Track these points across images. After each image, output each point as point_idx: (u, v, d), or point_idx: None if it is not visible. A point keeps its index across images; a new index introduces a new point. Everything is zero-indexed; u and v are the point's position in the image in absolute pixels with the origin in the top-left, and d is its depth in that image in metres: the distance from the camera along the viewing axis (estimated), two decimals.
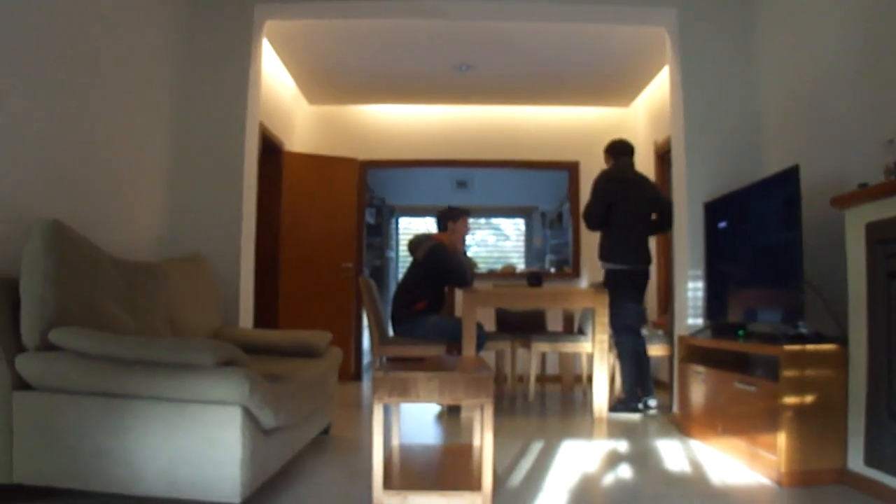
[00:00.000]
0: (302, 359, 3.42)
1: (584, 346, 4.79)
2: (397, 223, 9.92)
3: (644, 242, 4.47)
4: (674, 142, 4.36)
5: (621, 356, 4.37)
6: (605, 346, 4.26)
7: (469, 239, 4.76)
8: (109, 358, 2.36)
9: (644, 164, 6.59)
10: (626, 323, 4.38)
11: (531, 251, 9.94)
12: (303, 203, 5.98)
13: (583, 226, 6.15)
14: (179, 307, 3.26)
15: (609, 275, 4.41)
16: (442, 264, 4.50)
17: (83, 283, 2.56)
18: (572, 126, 6.67)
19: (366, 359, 6.99)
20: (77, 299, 2.50)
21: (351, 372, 6.02)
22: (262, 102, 5.04)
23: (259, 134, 4.63)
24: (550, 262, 8.65)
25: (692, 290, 4.10)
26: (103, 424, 2.33)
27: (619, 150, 4.56)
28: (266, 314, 5.47)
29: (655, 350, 4.79)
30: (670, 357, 4.64)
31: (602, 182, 4.44)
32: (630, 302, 4.38)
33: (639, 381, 4.36)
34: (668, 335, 4.75)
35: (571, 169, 6.59)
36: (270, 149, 5.68)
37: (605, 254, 4.43)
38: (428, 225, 9.39)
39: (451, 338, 4.43)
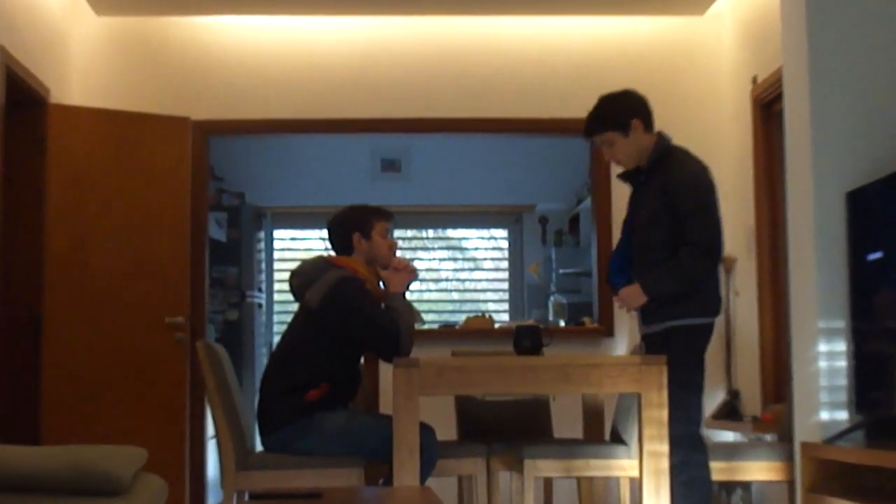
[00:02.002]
0: (88, 500, 3.38)
1: (624, 466, 4.80)
2: (269, 239, 9.89)
3: None
4: (789, 81, 4.41)
5: (690, 489, 4.36)
6: (665, 466, 4.24)
7: (399, 263, 4.81)
8: None
9: (727, 120, 6.64)
10: (697, 432, 4.42)
11: (522, 288, 9.94)
12: (87, 206, 6.01)
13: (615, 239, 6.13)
14: None
15: (689, 336, 4.42)
16: (354, 316, 4.53)
17: None
18: (598, 54, 6.73)
19: (213, 497, 6.90)
20: None
21: None
22: None
23: None
24: (558, 307, 8.65)
25: (826, 358, 4.13)
26: None
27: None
28: (16, 414, 5.46)
29: (758, 470, 4.78)
30: (789, 484, 4.65)
31: (711, 176, 4.50)
32: (702, 387, 4.44)
33: None
34: (785, 441, 4.76)
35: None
36: (21, 101, 5.68)
37: (691, 299, 4.42)
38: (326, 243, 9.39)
39: (372, 453, 4.46)
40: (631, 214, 4.64)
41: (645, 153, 4.50)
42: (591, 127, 4.58)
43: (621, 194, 4.75)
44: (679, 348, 4.36)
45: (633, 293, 4.49)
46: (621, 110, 4.54)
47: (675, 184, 4.40)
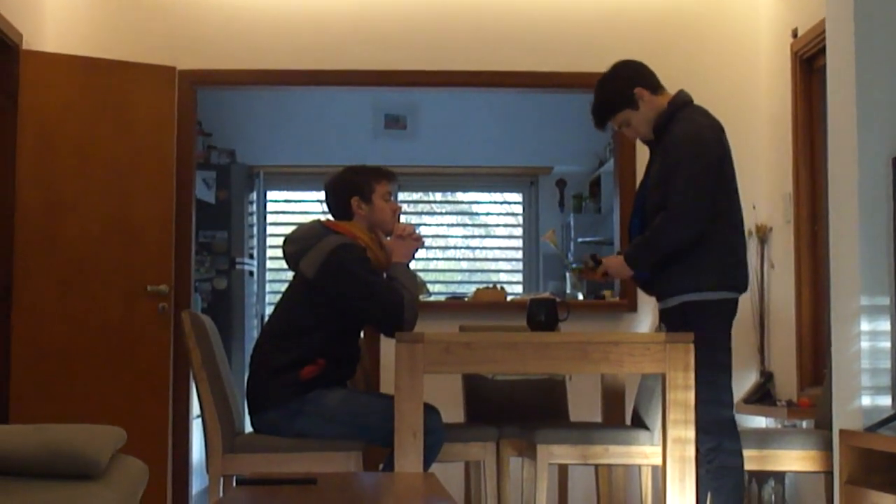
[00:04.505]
0: (61, 484, 3.39)
1: (646, 453, 4.83)
2: (262, 201, 9.89)
3: None
4: (832, 34, 4.41)
5: (720, 481, 4.39)
6: (691, 453, 4.25)
7: (403, 230, 4.84)
8: None
9: (764, 76, 6.61)
10: (729, 415, 4.46)
11: (537, 258, 9.94)
12: (62, 163, 6.02)
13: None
14: None
15: (705, 312, 4.45)
16: (353, 286, 4.55)
17: None
18: (623, 2, 6.70)
19: (198, 482, 6.93)
20: None
21: None
22: None
23: None
24: (575, 279, 8.64)
25: (869, 338, 4.14)
26: None
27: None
28: None
29: (792, 460, 4.81)
30: (826, 475, 4.67)
31: (714, 135, 4.51)
32: (730, 368, 4.48)
33: None
34: (823, 428, 4.78)
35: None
36: None
37: (706, 272, 4.46)
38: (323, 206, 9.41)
39: (372, 436, 4.50)
40: (645, 178, 4.70)
41: (660, 116, 4.53)
42: (600, 115, 4.69)
43: (646, 156, 4.76)
44: (699, 325, 4.37)
45: (618, 264, 4.60)
46: (620, 86, 4.62)
47: (664, 145, 4.49)
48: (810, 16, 5.74)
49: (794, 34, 6.04)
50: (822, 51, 4.94)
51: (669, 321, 4.54)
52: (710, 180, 4.41)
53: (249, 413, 4.64)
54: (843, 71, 4.33)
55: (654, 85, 4.60)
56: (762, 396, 6.03)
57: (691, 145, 4.44)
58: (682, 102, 4.56)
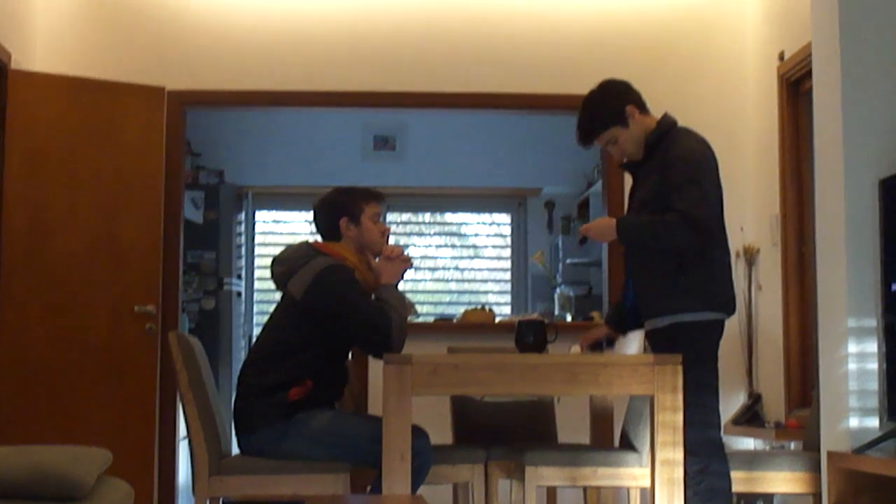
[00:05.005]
0: None
1: (635, 475, 4.83)
2: (250, 221, 9.91)
3: None
4: (819, 58, 4.43)
5: (708, 500, 4.38)
6: (679, 475, 4.25)
7: (391, 251, 4.83)
8: None
9: (751, 99, 6.63)
10: (716, 437, 4.46)
11: (525, 279, 9.94)
12: (49, 182, 6.03)
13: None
14: None
15: (693, 333, 4.45)
16: (341, 308, 4.56)
17: None
18: (613, 23, 6.73)
19: None
20: None
21: None
22: None
23: None
24: (564, 300, 8.67)
25: (856, 360, 4.14)
26: None
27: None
28: None
29: (780, 481, 4.80)
30: (814, 497, 4.67)
31: (712, 157, 4.52)
32: (717, 390, 4.47)
33: None
34: (811, 450, 4.78)
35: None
36: None
37: (696, 293, 4.46)
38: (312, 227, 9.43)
39: (359, 458, 4.49)
40: (630, 202, 4.68)
41: (650, 136, 4.53)
42: (587, 132, 4.65)
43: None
44: (687, 347, 4.37)
45: (604, 225, 4.59)
46: (611, 104, 4.58)
47: (670, 160, 4.44)
48: (797, 39, 5.76)
49: (781, 57, 6.07)
50: (809, 74, 4.96)
51: (656, 342, 4.54)
52: (718, 198, 4.44)
53: (236, 434, 4.62)
54: (830, 94, 4.34)
55: (641, 104, 4.59)
56: (750, 418, 6.02)
57: (698, 161, 4.43)
58: (672, 122, 4.57)
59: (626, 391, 4.52)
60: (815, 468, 4.50)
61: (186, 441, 4.87)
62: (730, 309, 4.50)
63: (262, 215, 10.00)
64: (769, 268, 6.25)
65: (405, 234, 10.22)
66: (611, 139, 4.59)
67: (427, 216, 10.39)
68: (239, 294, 9.46)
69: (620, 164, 4.72)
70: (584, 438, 5.58)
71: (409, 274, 4.94)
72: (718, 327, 4.47)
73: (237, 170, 9.45)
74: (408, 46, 6.70)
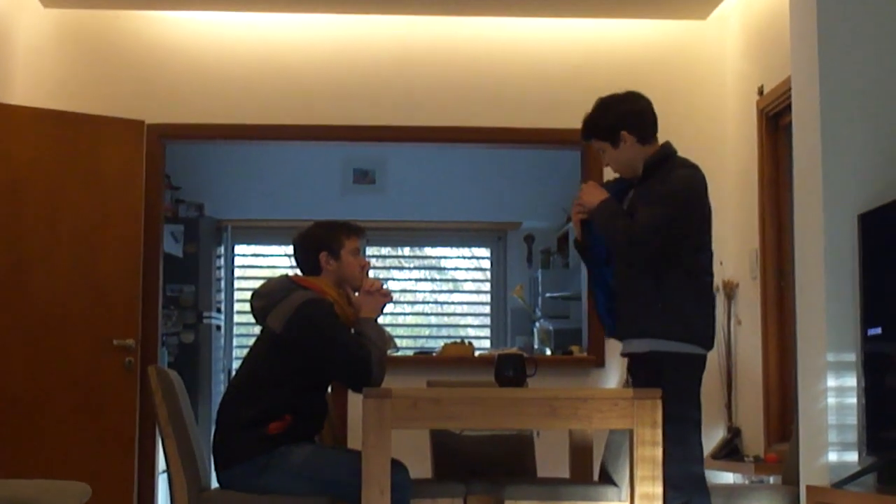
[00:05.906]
0: None
1: None
2: (230, 255, 9.88)
3: None
4: (798, 92, 4.44)
5: None
6: None
7: (371, 285, 4.81)
8: None
9: (730, 133, 6.66)
10: (699, 471, 4.42)
11: (505, 313, 9.93)
12: (28, 216, 6.03)
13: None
14: None
15: (675, 365, 4.41)
16: (320, 341, 4.55)
17: None
18: (592, 59, 6.77)
19: None
20: None
21: None
22: None
23: None
24: (544, 334, 8.66)
25: (835, 394, 4.13)
26: None
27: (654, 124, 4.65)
28: None
29: None
30: None
31: (703, 185, 4.51)
32: (699, 423, 4.44)
33: None
34: (791, 484, 4.77)
35: (587, 146, 6.62)
36: None
37: (676, 320, 4.42)
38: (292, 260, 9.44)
39: (338, 492, 4.47)
40: None
41: (639, 165, 4.50)
42: (585, 130, 4.63)
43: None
44: (668, 380, 4.35)
45: (596, 194, 4.56)
46: (610, 121, 4.54)
47: (672, 180, 4.40)
48: (776, 73, 5.80)
49: (760, 92, 6.10)
50: (788, 108, 4.95)
51: (636, 370, 4.51)
52: (684, 228, 4.38)
53: (216, 469, 4.59)
54: (809, 128, 4.36)
55: (644, 135, 4.52)
56: (729, 452, 6.02)
57: (683, 191, 4.40)
58: (672, 151, 4.55)
59: (605, 425, 4.52)
60: (795, 502, 4.49)
61: (166, 475, 4.86)
62: (708, 344, 4.46)
63: (241, 249, 9.99)
64: (748, 302, 6.26)
65: (385, 267, 10.21)
66: (599, 148, 4.58)
67: (407, 250, 10.39)
68: (218, 328, 9.44)
69: (606, 183, 4.73)
70: (564, 472, 5.58)
71: (388, 308, 4.93)
72: (699, 361, 4.44)
73: (217, 203, 9.44)
74: (387, 81, 6.73)
